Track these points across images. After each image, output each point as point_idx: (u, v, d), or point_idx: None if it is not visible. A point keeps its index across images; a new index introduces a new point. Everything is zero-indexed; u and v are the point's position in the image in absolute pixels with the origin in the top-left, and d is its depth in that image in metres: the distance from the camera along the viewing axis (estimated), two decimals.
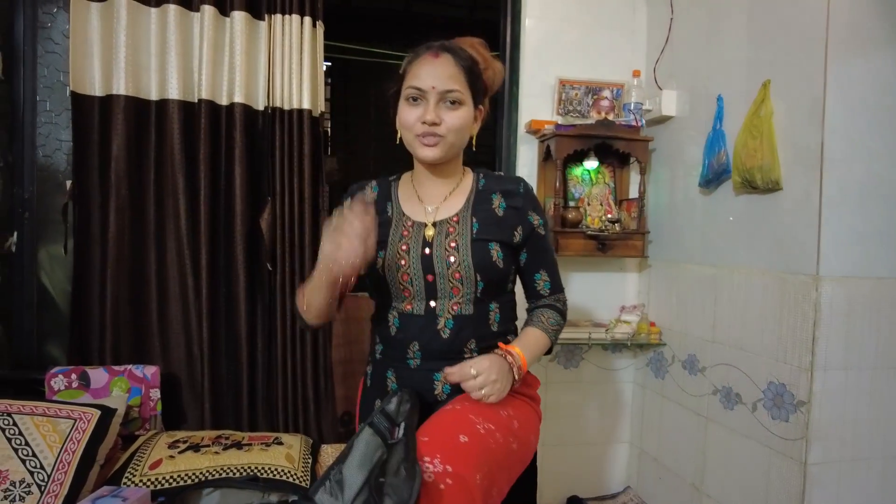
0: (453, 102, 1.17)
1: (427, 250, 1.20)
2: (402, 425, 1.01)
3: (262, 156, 1.98)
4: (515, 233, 1.23)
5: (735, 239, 1.81)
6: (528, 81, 2.20)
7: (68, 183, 1.90)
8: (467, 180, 1.28)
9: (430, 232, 1.21)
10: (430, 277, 1.19)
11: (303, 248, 1.99)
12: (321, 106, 2.04)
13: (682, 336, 2.04)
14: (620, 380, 2.33)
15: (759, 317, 1.70)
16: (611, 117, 2.13)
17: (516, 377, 1.16)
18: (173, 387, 1.92)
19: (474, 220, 1.22)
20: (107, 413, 1.57)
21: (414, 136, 1.19)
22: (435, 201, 1.26)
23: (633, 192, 2.22)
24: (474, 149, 1.28)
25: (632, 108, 2.13)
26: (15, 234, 1.94)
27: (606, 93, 2.21)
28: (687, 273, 2.03)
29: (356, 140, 5.41)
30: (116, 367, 1.79)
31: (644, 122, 2.14)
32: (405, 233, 1.23)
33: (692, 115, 2.01)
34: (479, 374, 1.11)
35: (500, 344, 1.20)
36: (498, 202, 1.24)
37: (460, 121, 1.18)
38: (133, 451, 1.63)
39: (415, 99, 1.18)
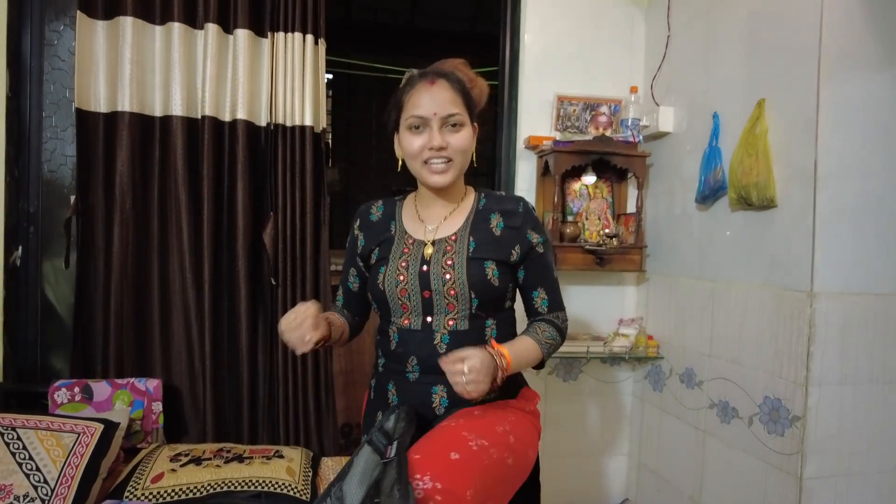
0: (455, 125, 1.21)
1: (425, 267, 1.23)
2: (395, 444, 1.03)
3: (264, 171, 2.01)
4: (513, 251, 1.25)
5: (731, 254, 1.83)
6: (527, 97, 2.23)
7: (72, 198, 1.93)
8: (469, 200, 1.31)
9: (428, 250, 1.24)
10: (426, 294, 1.22)
11: (304, 262, 2.01)
12: (323, 122, 2.07)
13: (679, 349, 2.06)
14: (619, 392, 2.35)
15: (755, 331, 1.71)
16: (608, 133, 2.15)
17: (498, 381, 1.14)
18: (175, 399, 1.94)
19: (472, 239, 1.25)
20: (109, 427, 1.59)
21: (421, 164, 1.23)
22: (436, 220, 1.29)
23: (631, 207, 2.24)
24: (475, 165, 1.31)
25: (629, 123, 2.16)
26: (20, 247, 1.96)
27: (604, 108, 2.23)
28: (684, 287, 2.05)
29: (357, 151, 5.45)
30: (119, 381, 1.80)
31: (641, 137, 2.17)
32: (405, 250, 1.26)
33: (689, 131, 2.04)
34: (470, 371, 1.07)
35: (493, 341, 1.20)
36: (496, 222, 1.27)
37: (464, 142, 1.22)
38: (135, 465, 1.64)
39: (417, 127, 1.21)
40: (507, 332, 1.29)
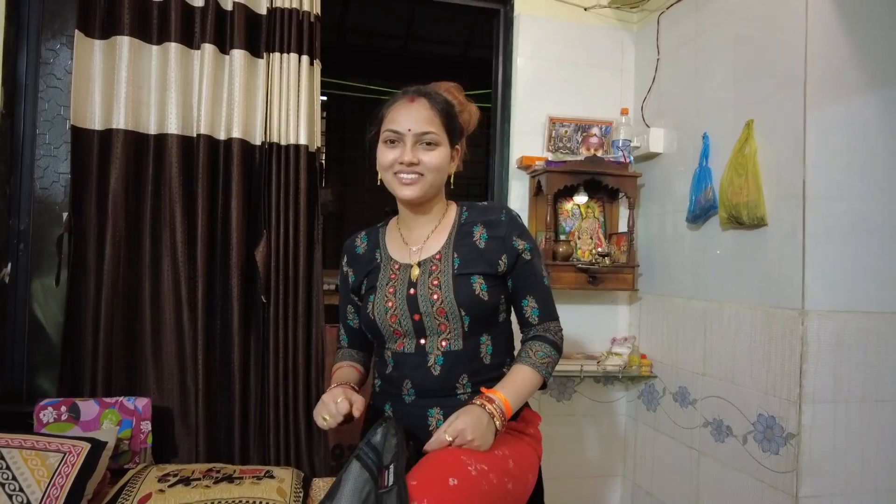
0: (429, 144, 1.22)
1: (412, 290, 1.22)
2: (392, 469, 1.01)
3: (258, 189, 2.01)
4: (500, 262, 1.24)
5: (723, 273, 1.84)
6: (520, 119, 2.26)
7: (65, 215, 1.92)
8: (450, 216, 1.31)
9: (415, 272, 1.24)
10: (416, 317, 1.22)
11: (297, 281, 2.00)
12: (317, 141, 2.08)
13: (673, 368, 2.06)
14: (613, 412, 2.34)
15: (748, 350, 1.72)
16: (600, 154, 2.18)
17: (498, 426, 1.14)
18: (165, 420, 1.90)
19: (456, 255, 1.24)
20: (96, 446, 1.56)
21: (393, 176, 1.24)
22: (419, 241, 1.28)
23: (623, 227, 2.26)
24: (452, 186, 1.31)
25: (620, 144, 2.19)
26: (9, 264, 1.94)
27: (595, 130, 2.26)
28: (677, 307, 2.05)
29: (351, 172, 5.48)
30: (107, 399, 1.77)
31: (632, 158, 2.20)
32: (392, 276, 1.26)
33: (679, 151, 2.07)
34: (454, 437, 1.10)
35: (483, 389, 1.20)
36: (479, 234, 1.26)
37: (437, 161, 1.22)
38: (122, 486, 1.61)
39: (392, 141, 1.23)
40: (503, 347, 1.28)
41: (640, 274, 2.22)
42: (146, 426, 1.77)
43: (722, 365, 1.82)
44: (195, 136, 1.96)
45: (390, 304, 1.23)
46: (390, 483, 0.99)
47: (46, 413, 1.72)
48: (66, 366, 1.87)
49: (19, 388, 1.96)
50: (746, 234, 1.75)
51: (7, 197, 1.94)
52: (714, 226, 1.88)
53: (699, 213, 1.90)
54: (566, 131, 2.26)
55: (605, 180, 2.14)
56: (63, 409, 1.73)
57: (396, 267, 1.27)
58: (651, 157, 2.19)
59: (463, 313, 1.20)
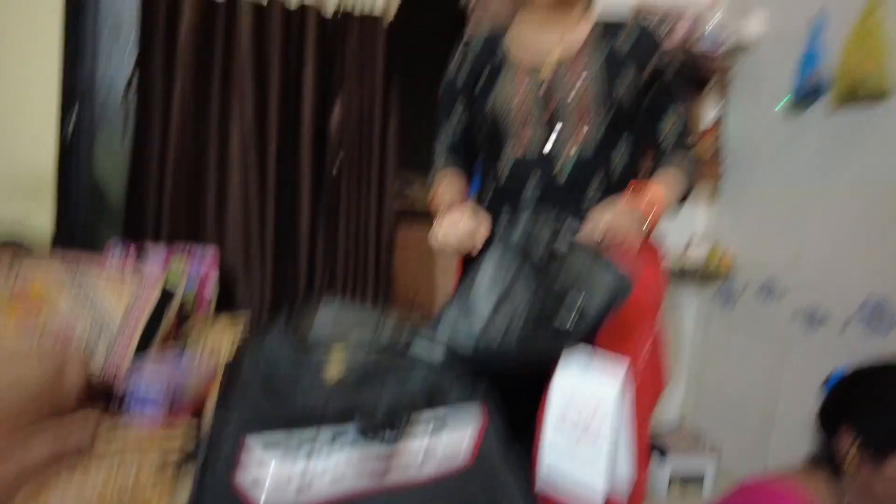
0: None
1: (543, 90, 1.10)
2: (568, 226, 0.92)
3: (332, 57, 1.91)
4: (645, 68, 1.11)
5: (826, 158, 1.74)
6: (603, 8, 2.11)
7: (130, 69, 1.83)
8: (588, 22, 1.15)
9: (546, 71, 1.11)
10: (546, 117, 1.09)
11: (371, 151, 1.92)
12: (393, 8, 1.96)
13: (757, 263, 1.96)
14: (678, 317, 2.25)
15: (852, 233, 1.62)
16: (689, 44, 2.05)
17: (650, 223, 1.02)
18: (228, 286, 1.84)
19: (598, 53, 1.10)
20: (169, 288, 1.48)
21: None
22: (550, 42, 1.13)
23: (710, 121, 2.14)
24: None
25: (712, 34, 2.06)
26: (74, 114, 1.85)
27: (685, 21, 2.12)
28: (767, 198, 1.95)
29: None
30: (176, 246, 1.71)
31: (723, 48, 2.07)
32: (519, 76, 1.13)
33: (781, 35, 1.93)
34: (605, 232, 0.98)
35: (633, 182, 1.09)
36: (622, 40, 1.12)
37: None
38: (192, 329, 1.55)
39: None
40: (633, 165, 1.14)
41: (725, 169, 2.11)
42: (213, 276, 1.70)
43: (820, 252, 1.72)
44: (266, 2, 1.85)
45: (516, 103, 1.11)
46: (567, 245, 0.91)
47: (114, 255, 1.65)
48: (129, 226, 1.80)
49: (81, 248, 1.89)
50: (860, 113, 1.63)
51: (73, 52, 1.84)
52: (819, 110, 1.76)
53: (803, 97, 1.78)
54: (654, 21, 2.13)
55: (693, 72, 2.02)
56: (132, 250, 1.66)
57: (524, 67, 1.14)
58: (743, 47, 2.06)
59: (602, 111, 1.08)
